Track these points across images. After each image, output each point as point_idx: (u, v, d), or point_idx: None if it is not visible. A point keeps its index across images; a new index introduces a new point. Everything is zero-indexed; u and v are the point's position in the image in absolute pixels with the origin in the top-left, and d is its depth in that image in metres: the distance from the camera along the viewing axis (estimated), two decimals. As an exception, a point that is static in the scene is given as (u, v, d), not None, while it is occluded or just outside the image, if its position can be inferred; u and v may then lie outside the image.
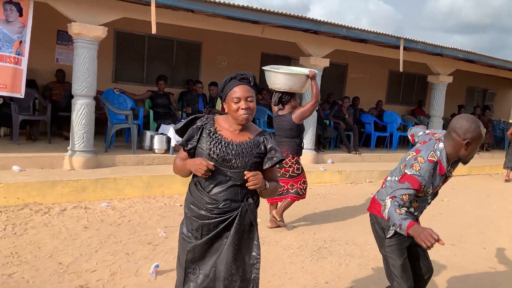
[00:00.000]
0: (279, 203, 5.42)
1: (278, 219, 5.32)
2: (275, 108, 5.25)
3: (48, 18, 7.32)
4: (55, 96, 7.88)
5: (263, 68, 5.35)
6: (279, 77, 4.99)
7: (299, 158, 5.27)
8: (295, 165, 5.18)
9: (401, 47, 8.82)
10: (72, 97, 7.63)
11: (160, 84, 8.32)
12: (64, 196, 5.61)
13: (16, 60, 5.69)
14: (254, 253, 2.37)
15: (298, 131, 5.10)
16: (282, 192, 5.25)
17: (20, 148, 6.58)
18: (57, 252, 4.09)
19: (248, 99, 2.25)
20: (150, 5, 6.12)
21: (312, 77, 4.99)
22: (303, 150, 8.50)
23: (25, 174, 5.78)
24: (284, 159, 2.14)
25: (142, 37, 9.21)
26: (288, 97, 5.09)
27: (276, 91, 5.12)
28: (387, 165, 9.25)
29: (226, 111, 2.31)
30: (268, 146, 2.34)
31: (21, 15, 5.72)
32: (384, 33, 8.66)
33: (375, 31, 8.53)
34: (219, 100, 8.36)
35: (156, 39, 9.19)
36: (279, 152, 2.32)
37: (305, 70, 5.10)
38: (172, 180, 6.32)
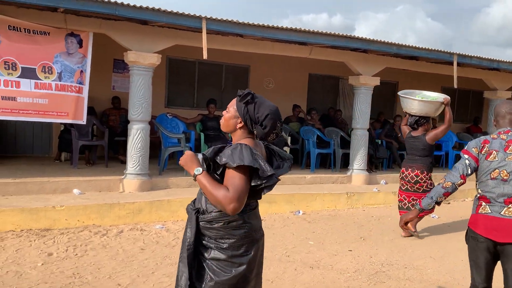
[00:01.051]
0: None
1: (413, 230, 5.92)
2: (405, 129, 6.02)
3: (104, 47, 7.71)
4: (111, 122, 8.22)
5: (398, 93, 6.00)
6: (414, 104, 5.68)
7: (431, 175, 5.89)
8: (429, 180, 5.81)
9: (455, 63, 8.54)
10: (127, 122, 7.92)
11: (211, 107, 8.49)
12: (121, 218, 5.77)
13: (77, 88, 6.01)
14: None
15: (430, 150, 5.84)
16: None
17: (80, 172, 6.88)
18: (115, 274, 4.19)
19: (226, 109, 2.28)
20: (201, 32, 6.31)
21: (447, 104, 5.63)
22: (354, 171, 8.38)
23: (84, 197, 6.02)
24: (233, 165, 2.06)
25: (192, 63, 9.49)
26: (424, 121, 5.80)
27: (412, 115, 5.83)
28: (444, 185, 8.87)
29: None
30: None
31: (81, 46, 6.06)
32: (436, 49, 8.43)
33: (426, 47, 8.32)
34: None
35: (206, 64, 9.43)
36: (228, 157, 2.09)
37: (440, 97, 5.75)
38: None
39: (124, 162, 7.55)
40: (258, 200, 2.33)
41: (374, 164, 9.38)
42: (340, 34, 7.43)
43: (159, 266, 4.44)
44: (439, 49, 8.46)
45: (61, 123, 7.68)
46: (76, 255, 4.63)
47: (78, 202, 5.72)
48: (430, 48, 8.37)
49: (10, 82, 5.52)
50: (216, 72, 9.78)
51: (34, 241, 4.92)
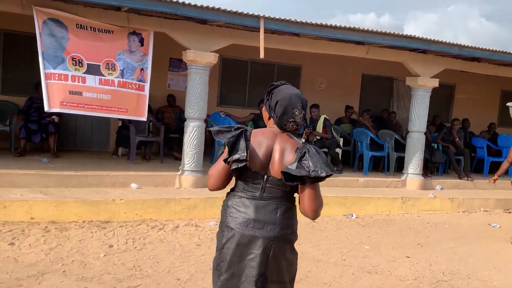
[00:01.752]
0: None
1: None
2: None
3: (161, 46, 7.87)
4: (166, 119, 8.39)
5: (507, 104, 6.34)
6: None
7: None
8: None
9: (521, 65, 8.10)
10: (181, 120, 8.06)
11: (262, 106, 8.49)
12: (176, 214, 5.88)
13: (137, 86, 6.18)
14: None
15: None
16: None
17: (136, 167, 7.06)
18: (174, 268, 4.26)
19: None
20: (257, 31, 6.32)
21: None
22: (409, 175, 8.11)
23: (142, 191, 6.17)
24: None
25: (245, 62, 9.53)
26: None
27: None
28: (504, 193, 8.44)
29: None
30: None
31: (142, 44, 6.22)
32: (500, 50, 8.02)
33: (490, 48, 7.94)
34: (320, 122, 8.29)
35: (258, 64, 9.45)
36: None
37: None
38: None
39: (177, 158, 7.69)
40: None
41: (429, 168, 9.05)
42: (400, 33, 7.23)
43: (216, 263, 4.47)
44: (504, 50, 8.05)
45: (119, 119, 7.93)
46: (135, 248, 4.75)
47: (136, 196, 5.87)
48: (493, 49, 7.97)
49: (77, 77, 5.76)
50: (268, 71, 9.78)
51: (96, 233, 5.09)
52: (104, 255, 4.44)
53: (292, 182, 2.05)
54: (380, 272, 4.56)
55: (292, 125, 2.16)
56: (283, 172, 2.04)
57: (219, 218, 6.43)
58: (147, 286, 3.81)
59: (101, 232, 5.12)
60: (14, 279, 3.72)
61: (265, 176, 2.13)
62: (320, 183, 2.09)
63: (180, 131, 8.02)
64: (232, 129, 2.14)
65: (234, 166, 2.09)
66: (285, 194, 2.15)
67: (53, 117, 7.24)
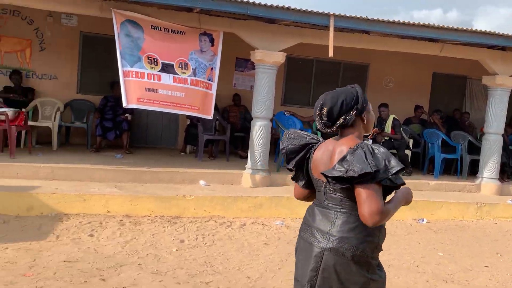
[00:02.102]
0: None
1: None
2: None
3: (228, 46, 8.00)
4: (232, 118, 8.51)
5: None
6: None
7: None
8: None
9: None
10: (245, 119, 8.13)
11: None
12: (243, 212, 5.93)
13: (207, 85, 6.31)
14: None
15: None
16: None
17: (204, 164, 7.22)
18: (244, 266, 4.30)
19: None
20: (325, 30, 6.23)
21: None
22: (484, 179, 7.67)
23: (210, 188, 6.30)
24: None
25: (310, 61, 9.44)
26: None
27: None
28: None
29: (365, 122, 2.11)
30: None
31: (212, 44, 6.34)
32: None
33: None
34: (389, 122, 8.03)
35: (323, 63, 9.33)
36: None
37: None
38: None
39: (242, 157, 7.78)
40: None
41: (506, 173, 8.50)
42: (477, 30, 6.83)
43: (284, 263, 4.46)
44: None
45: (187, 117, 8.16)
46: (205, 244, 4.85)
47: (205, 193, 6.00)
48: None
49: (153, 75, 5.99)
50: (333, 70, 9.62)
51: (167, 227, 5.26)
52: (176, 250, 4.58)
53: (341, 184, 1.91)
54: (457, 281, 4.34)
55: (319, 124, 2.10)
56: (322, 174, 1.96)
57: (284, 218, 6.40)
58: (218, 283, 3.87)
59: (172, 227, 5.28)
60: (95, 269, 3.93)
61: (324, 182, 2.03)
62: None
63: (245, 130, 8.11)
64: (300, 138, 2.19)
65: (291, 175, 2.26)
66: (347, 202, 1.99)
67: (126, 115, 7.57)
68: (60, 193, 5.40)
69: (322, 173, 1.96)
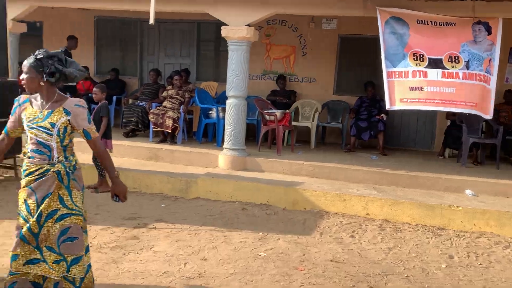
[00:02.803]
0: None
1: None
2: None
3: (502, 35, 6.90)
4: (502, 119, 7.33)
5: None
6: None
7: None
8: None
9: None
10: None
11: None
12: (525, 232, 4.96)
13: (484, 78, 5.53)
14: None
15: None
16: None
17: (469, 171, 6.39)
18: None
19: None
20: None
21: None
22: None
23: (479, 200, 5.51)
24: None
25: None
26: None
27: None
28: None
29: None
30: None
31: (489, 33, 5.52)
32: None
33: None
34: None
35: None
36: None
37: None
38: None
39: (518, 165, 6.58)
40: None
41: None
42: None
43: None
44: None
45: (447, 117, 7.44)
46: (480, 264, 4.20)
47: (474, 204, 5.27)
48: None
49: (417, 72, 5.62)
50: None
51: (431, 239, 4.80)
52: (446, 266, 4.10)
53: None
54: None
55: None
56: None
57: None
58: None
59: (437, 239, 4.79)
60: (361, 274, 3.83)
61: None
62: None
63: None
64: None
65: None
66: None
67: (382, 115, 7.37)
68: (322, 190, 5.57)
69: None
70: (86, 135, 2.73)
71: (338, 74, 8.46)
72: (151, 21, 5.73)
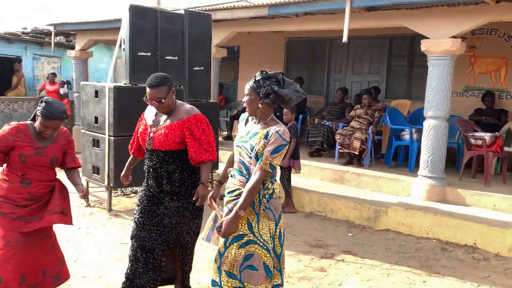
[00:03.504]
0: None
1: None
2: None
3: None
4: None
5: None
6: None
7: None
8: None
9: None
10: None
11: None
12: None
13: None
14: None
15: None
16: None
17: None
18: None
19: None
20: None
21: None
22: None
23: None
24: None
25: None
26: None
27: None
28: None
29: None
30: None
31: None
32: None
33: None
34: None
35: None
36: None
37: None
38: None
39: None
40: None
41: None
42: None
43: None
44: None
45: None
46: None
47: None
48: None
49: None
50: None
51: None
52: None
53: None
54: None
55: None
56: None
57: None
58: None
59: None
60: None
61: None
62: None
63: None
64: None
65: None
66: None
67: None
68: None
69: None
70: (257, 160, 2.56)
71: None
72: (344, 39, 5.48)
